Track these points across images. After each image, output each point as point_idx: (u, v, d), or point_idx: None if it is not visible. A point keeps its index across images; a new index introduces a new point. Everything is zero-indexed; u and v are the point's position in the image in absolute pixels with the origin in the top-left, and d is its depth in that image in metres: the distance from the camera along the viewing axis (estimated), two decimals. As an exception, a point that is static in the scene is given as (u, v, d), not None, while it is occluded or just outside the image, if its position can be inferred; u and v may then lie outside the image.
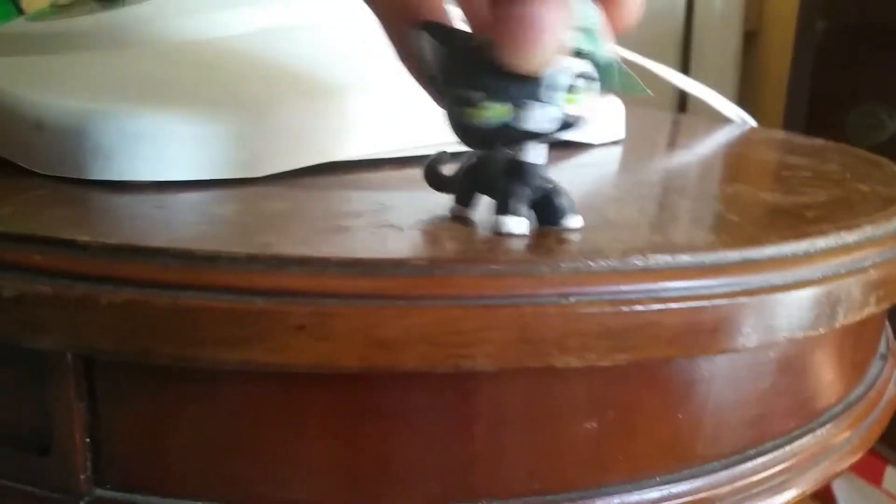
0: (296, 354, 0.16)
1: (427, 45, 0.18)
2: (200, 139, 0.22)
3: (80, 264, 0.16)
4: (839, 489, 0.96)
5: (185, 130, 0.22)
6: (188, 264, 0.16)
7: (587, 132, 0.33)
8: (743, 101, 1.31)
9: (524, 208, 0.19)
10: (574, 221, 0.19)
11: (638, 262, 0.17)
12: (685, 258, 0.18)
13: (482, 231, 0.19)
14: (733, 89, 1.27)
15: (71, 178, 0.23)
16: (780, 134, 0.44)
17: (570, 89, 0.17)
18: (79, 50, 0.27)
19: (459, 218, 0.20)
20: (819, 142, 0.41)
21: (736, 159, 0.35)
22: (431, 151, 0.28)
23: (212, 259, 0.16)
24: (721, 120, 0.49)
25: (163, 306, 0.16)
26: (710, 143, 0.40)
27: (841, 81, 1.03)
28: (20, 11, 0.61)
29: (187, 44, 0.27)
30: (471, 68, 0.17)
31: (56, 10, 0.31)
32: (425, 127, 0.27)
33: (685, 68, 1.23)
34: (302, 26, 0.29)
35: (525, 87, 0.17)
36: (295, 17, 0.29)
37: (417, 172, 0.27)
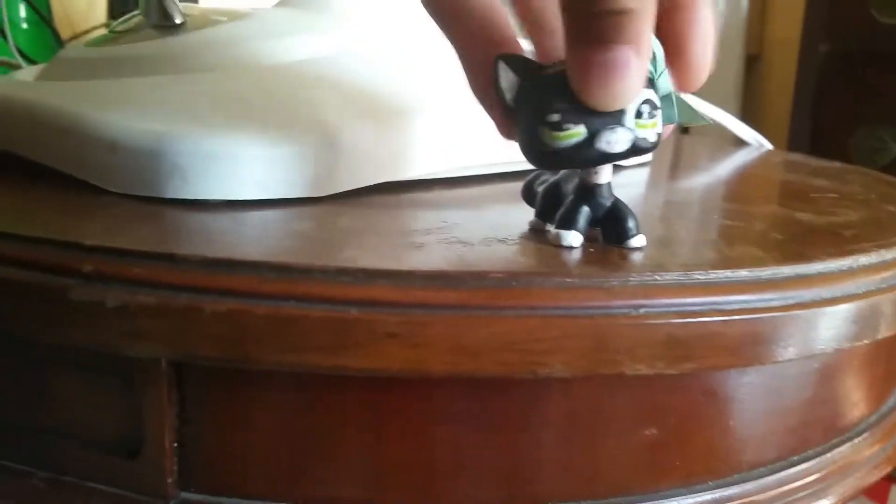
0: (387, 360, 0.17)
1: (503, 74, 0.19)
2: (271, 160, 0.24)
3: (181, 276, 0.18)
4: (847, 508, 0.97)
5: (256, 152, 0.24)
6: (285, 276, 0.17)
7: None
8: (746, 123, 1.33)
9: (582, 223, 0.20)
10: (638, 241, 0.20)
11: (700, 276, 0.19)
12: (744, 273, 0.19)
13: (545, 245, 0.20)
14: (736, 113, 1.29)
15: (146, 197, 0.24)
16: (797, 157, 0.46)
17: (640, 114, 0.18)
18: (144, 74, 0.29)
19: (536, 231, 0.22)
20: (837, 164, 0.42)
21: (763, 181, 0.37)
22: (480, 172, 0.30)
23: (306, 271, 0.17)
24: (730, 141, 0.50)
25: (263, 315, 0.17)
26: (733, 165, 0.41)
27: (844, 104, 1.05)
28: (55, 34, 0.63)
29: (252, 68, 0.28)
30: (546, 94, 0.19)
31: (115, 36, 0.33)
32: (476, 149, 0.29)
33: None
34: (363, 51, 0.30)
35: (597, 112, 0.18)
36: (357, 42, 0.31)
37: (467, 192, 0.28)
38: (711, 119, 0.20)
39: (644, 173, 0.35)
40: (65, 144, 0.26)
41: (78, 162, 0.26)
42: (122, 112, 0.26)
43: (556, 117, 0.18)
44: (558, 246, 0.20)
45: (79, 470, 0.21)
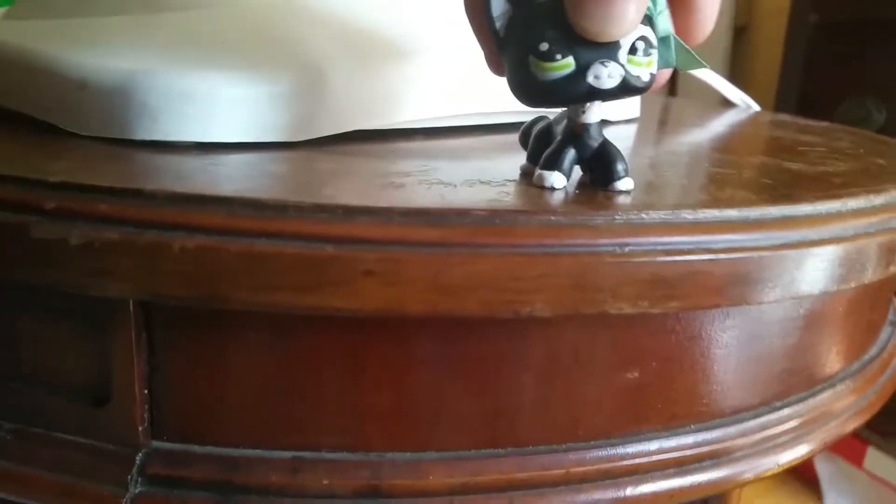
0: (364, 299, 0.16)
1: (494, 1, 0.19)
2: (246, 101, 0.23)
3: (149, 212, 0.17)
4: (821, 469, 0.98)
5: (231, 92, 0.23)
6: (259, 213, 0.17)
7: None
8: (733, 92, 1.33)
9: (566, 165, 0.20)
10: (626, 184, 0.20)
11: (688, 215, 0.18)
12: (732, 213, 0.18)
13: (531, 187, 0.20)
14: (723, 82, 1.29)
15: (115, 139, 0.23)
16: (786, 117, 0.45)
17: (633, 51, 0.18)
18: (116, 13, 0.27)
19: (526, 174, 0.21)
20: (825, 123, 0.42)
21: (752, 136, 0.36)
22: (466, 123, 0.29)
23: (281, 208, 0.17)
24: (719, 103, 0.50)
25: (236, 252, 0.16)
26: (723, 123, 0.41)
27: (831, 75, 1.04)
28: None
29: (229, 5, 0.27)
30: (537, 22, 0.18)
31: (83, -21, 0.31)
32: (464, 97, 0.28)
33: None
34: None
35: (591, 43, 0.17)
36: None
37: (451, 142, 0.27)
38: (706, 65, 0.19)
39: (632, 129, 0.35)
40: (30, 85, 0.25)
41: (43, 103, 0.24)
42: (90, 50, 0.25)
43: (545, 46, 0.18)
44: (542, 187, 0.20)
45: (45, 420, 0.20)
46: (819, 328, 0.23)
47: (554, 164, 0.20)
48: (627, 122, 0.36)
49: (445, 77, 0.27)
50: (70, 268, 0.17)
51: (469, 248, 0.17)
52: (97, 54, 0.24)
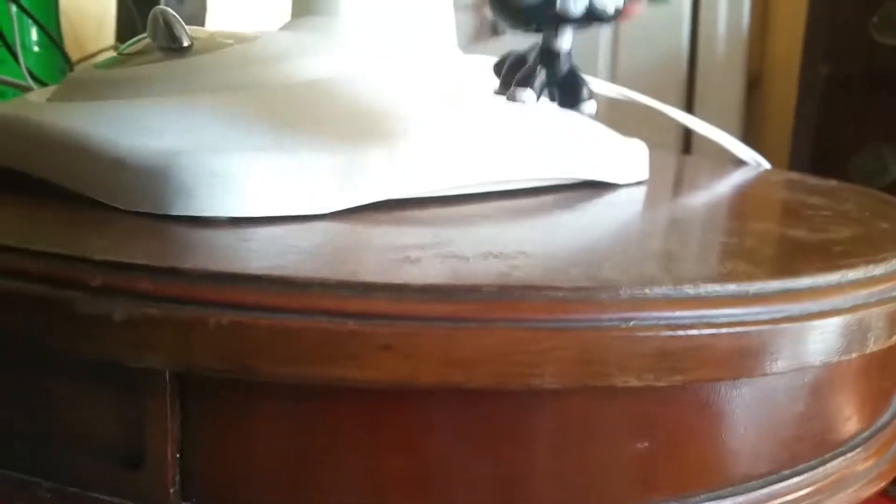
0: (381, 372, 0.18)
1: None
2: (275, 178, 0.24)
3: (186, 290, 0.18)
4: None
5: (261, 170, 0.24)
6: (286, 290, 0.18)
7: (613, 172, 0.35)
8: (747, 143, 1.34)
9: (537, 84, 0.22)
10: (590, 107, 0.22)
11: (690, 290, 0.19)
12: (732, 287, 0.19)
13: (539, 260, 0.21)
14: (738, 133, 1.30)
15: (152, 214, 0.24)
16: (794, 175, 0.46)
17: None
18: (151, 95, 0.29)
19: (498, 96, 0.23)
20: (833, 182, 0.43)
21: (759, 199, 0.37)
22: (477, 190, 0.30)
23: (307, 285, 0.18)
24: (731, 161, 0.51)
25: (265, 327, 0.17)
26: (731, 184, 0.42)
27: (845, 125, 1.05)
28: (66, 57, 0.64)
29: (258, 90, 0.29)
30: None
31: (124, 58, 0.33)
32: (475, 167, 0.29)
33: (689, 113, 1.26)
34: (367, 72, 0.31)
35: None
36: (360, 63, 0.32)
37: (463, 209, 0.29)
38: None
39: (643, 191, 0.36)
40: (74, 163, 0.27)
41: (86, 180, 0.26)
42: (130, 131, 0.26)
43: None
44: (514, 101, 0.22)
45: (83, 480, 0.21)
46: (826, 396, 0.24)
47: (526, 82, 0.22)
48: (637, 184, 0.37)
49: (460, 149, 0.29)
50: (112, 341, 0.18)
51: (479, 322, 0.18)
52: (136, 135, 0.26)
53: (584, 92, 0.22)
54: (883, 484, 0.27)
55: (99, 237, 0.22)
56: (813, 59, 1.09)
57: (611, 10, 0.20)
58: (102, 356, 0.19)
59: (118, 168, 0.25)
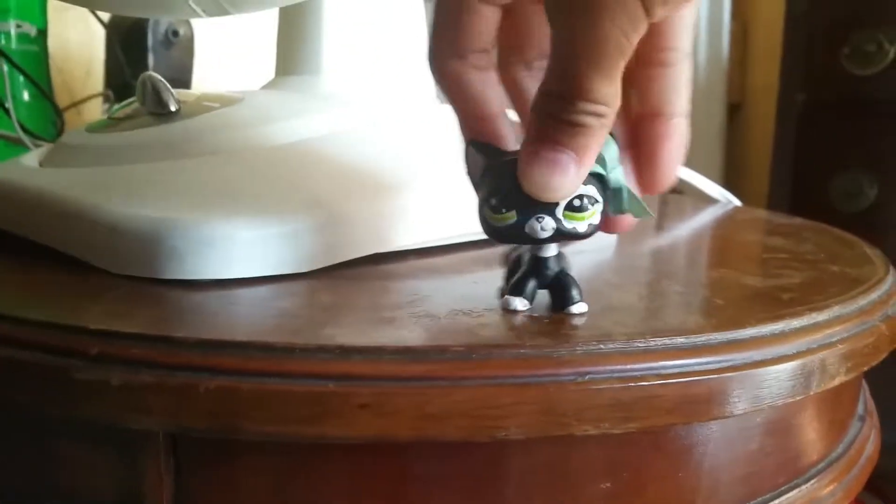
0: (360, 429, 0.19)
1: (471, 156, 0.23)
2: (260, 241, 0.26)
3: (178, 357, 0.20)
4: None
5: (247, 235, 0.26)
6: (270, 355, 0.20)
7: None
8: (729, 169, 1.37)
9: (528, 292, 0.23)
10: (580, 308, 0.23)
11: (640, 344, 0.21)
12: (680, 340, 0.21)
13: (503, 316, 0.23)
14: (720, 158, 1.34)
15: (143, 278, 0.26)
16: (762, 213, 0.48)
17: (570, 206, 0.21)
18: (141, 161, 0.31)
19: (500, 295, 0.24)
20: (798, 221, 0.45)
21: (721, 242, 0.39)
22: (452, 241, 0.32)
23: (289, 350, 0.20)
24: (705, 197, 0.53)
25: (250, 391, 0.19)
26: (697, 225, 0.44)
27: (823, 150, 1.08)
28: (56, 108, 0.66)
29: (243, 153, 0.31)
30: (495, 177, 0.22)
31: (114, 123, 0.35)
32: (451, 221, 0.31)
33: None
34: (349, 132, 0.33)
35: (531, 201, 0.21)
36: (343, 123, 0.34)
37: (439, 261, 0.30)
38: (653, 214, 0.23)
39: (612, 238, 0.38)
40: (68, 229, 0.28)
41: (80, 245, 0.28)
42: (122, 199, 0.28)
43: (494, 201, 0.21)
44: (506, 310, 0.23)
45: (82, 535, 0.22)
46: (780, 433, 0.26)
47: (518, 290, 0.23)
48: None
49: (433, 205, 0.31)
50: (109, 405, 0.20)
51: (448, 381, 0.19)
52: (128, 203, 0.28)
53: (574, 293, 0.23)
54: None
55: (93, 304, 0.24)
56: (790, 88, 1.13)
57: (582, 228, 0.22)
58: (100, 418, 0.20)
59: (111, 235, 0.27)
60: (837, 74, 1.05)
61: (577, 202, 0.21)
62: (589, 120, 0.20)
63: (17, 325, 0.22)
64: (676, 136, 0.23)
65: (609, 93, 0.19)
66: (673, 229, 0.42)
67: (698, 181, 0.52)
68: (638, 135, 0.23)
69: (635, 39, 0.19)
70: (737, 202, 0.53)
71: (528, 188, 0.21)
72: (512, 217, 0.21)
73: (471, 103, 0.23)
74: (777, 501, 0.25)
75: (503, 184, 0.21)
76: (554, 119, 0.20)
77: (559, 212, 0.21)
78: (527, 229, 0.21)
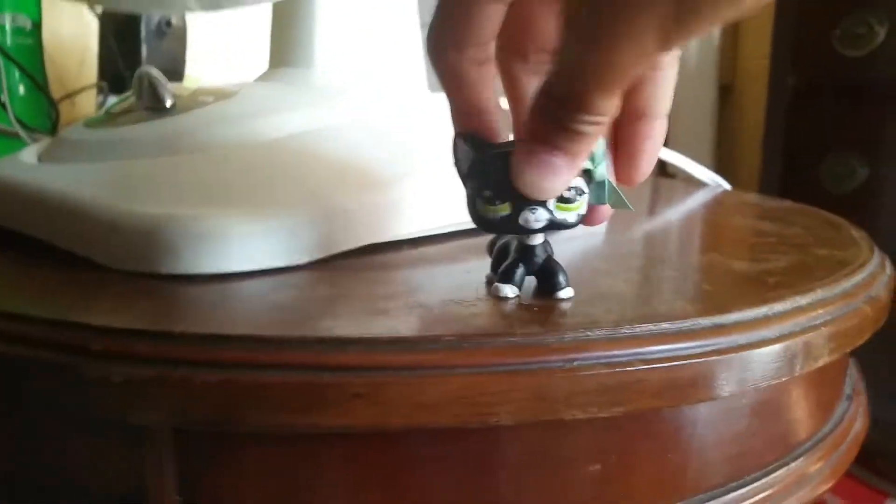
0: (354, 418, 0.20)
1: (460, 148, 0.23)
2: (256, 235, 0.27)
3: (179, 351, 0.20)
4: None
5: (243, 229, 0.26)
6: (267, 348, 0.20)
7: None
8: (721, 150, 1.37)
9: (517, 278, 0.24)
10: (566, 293, 0.24)
11: (627, 330, 0.21)
12: (666, 325, 0.22)
13: (494, 305, 0.23)
14: (711, 140, 1.34)
15: (143, 273, 0.27)
16: (751, 197, 0.49)
17: (562, 199, 0.22)
18: (138, 156, 0.32)
19: (490, 282, 0.25)
20: (787, 204, 0.45)
21: (710, 226, 0.40)
22: (445, 231, 0.33)
23: (286, 343, 0.20)
24: (695, 181, 0.54)
25: (249, 383, 0.20)
26: (686, 209, 0.44)
27: (813, 131, 1.09)
28: (51, 100, 0.66)
29: (238, 147, 0.31)
30: (487, 170, 0.22)
31: (111, 118, 0.36)
32: (444, 212, 0.32)
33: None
34: (343, 123, 0.34)
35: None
36: (337, 115, 0.34)
37: (430, 250, 0.31)
38: (632, 207, 0.23)
39: (602, 223, 0.38)
40: (67, 225, 0.29)
41: (80, 241, 0.28)
42: (120, 195, 0.29)
43: (488, 193, 0.22)
44: (496, 297, 0.24)
45: (90, 523, 0.23)
46: (767, 414, 0.26)
47: (507, 278, 0.24)
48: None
49: (428, 196, 0.31)
50: (114, 400, 0.21)
51: (441, 370, 0.20)
52: (126, 199, 0.28)
53: (561, 279, 0.24)
54: (829, 486, 0.29)
55: (96, 300, 0.24)
56: (780, 70, 1.13)
57: (572, 219, 0.22)
58: (105, 413, 0.21)
59: (110, 231, 0.27)
60: (828, 56, 1.05)
61: (567, 194, 0.22)
62: (588, 129, 0.20)
63: (23, 324, 0.22)
64: (658, 136, 0.23)
65: (610, 105, 0.20)
66: (662, 214, 0.43)
67: (688, 165, 0.52)
68: (621, 133, 0.23)
69: (646, 66, 0.19)
70: (726, 186, 0.53)
71: (521, 186, 0.21)
72: (506, 209, 0.22)
73: (465, 96, 0.24)
74: (765, 479, 0.26)
75: (496, 176, 0.22)
76: (554, 123, 0.20)
77: (551, 203, 0.22)
78: (520, 220, 0.22)
